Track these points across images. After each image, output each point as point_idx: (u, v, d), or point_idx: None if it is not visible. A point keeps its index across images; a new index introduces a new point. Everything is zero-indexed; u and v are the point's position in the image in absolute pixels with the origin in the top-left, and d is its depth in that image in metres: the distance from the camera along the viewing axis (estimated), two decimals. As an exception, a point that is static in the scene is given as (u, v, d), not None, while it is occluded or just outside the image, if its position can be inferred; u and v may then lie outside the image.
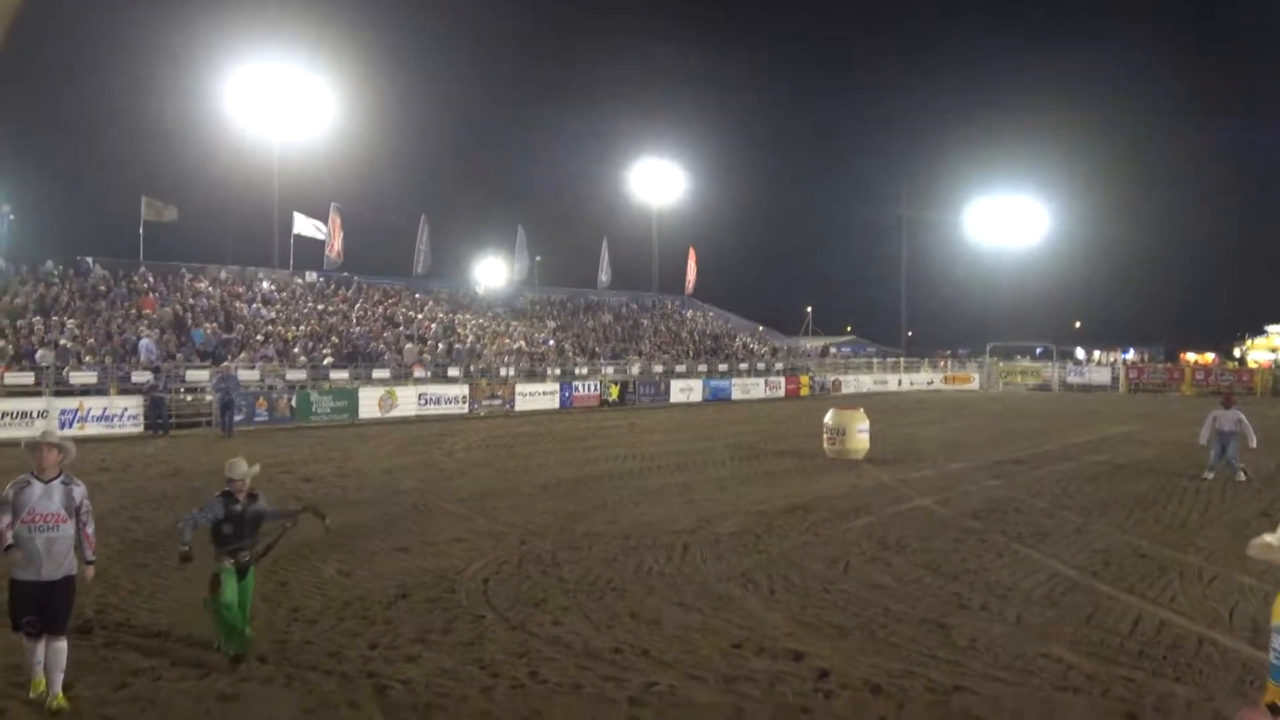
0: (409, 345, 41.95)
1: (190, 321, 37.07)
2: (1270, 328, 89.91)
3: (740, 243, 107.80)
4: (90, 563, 8.03)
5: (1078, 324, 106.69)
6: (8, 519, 7.69)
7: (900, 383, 62.52)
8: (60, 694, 7.94)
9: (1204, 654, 9.56)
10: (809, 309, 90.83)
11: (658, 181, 65.65)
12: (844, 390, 57.13)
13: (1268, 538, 4.88)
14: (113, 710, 7.85)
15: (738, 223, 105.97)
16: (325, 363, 37.51)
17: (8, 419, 27.59)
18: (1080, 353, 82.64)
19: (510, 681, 8.64)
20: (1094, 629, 10.34)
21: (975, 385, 64.06)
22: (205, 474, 21.14)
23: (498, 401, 40.41)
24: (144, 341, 34.12)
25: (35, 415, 27.94)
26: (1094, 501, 18.23)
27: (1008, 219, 77.69)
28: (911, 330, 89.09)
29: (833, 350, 78.56)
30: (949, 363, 70.60)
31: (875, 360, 68.77)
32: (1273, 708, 5.02)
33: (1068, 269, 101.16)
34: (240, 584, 8.80)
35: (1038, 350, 76.08)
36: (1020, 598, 11.58)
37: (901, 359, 68.00)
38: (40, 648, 7.88)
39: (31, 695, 7.91)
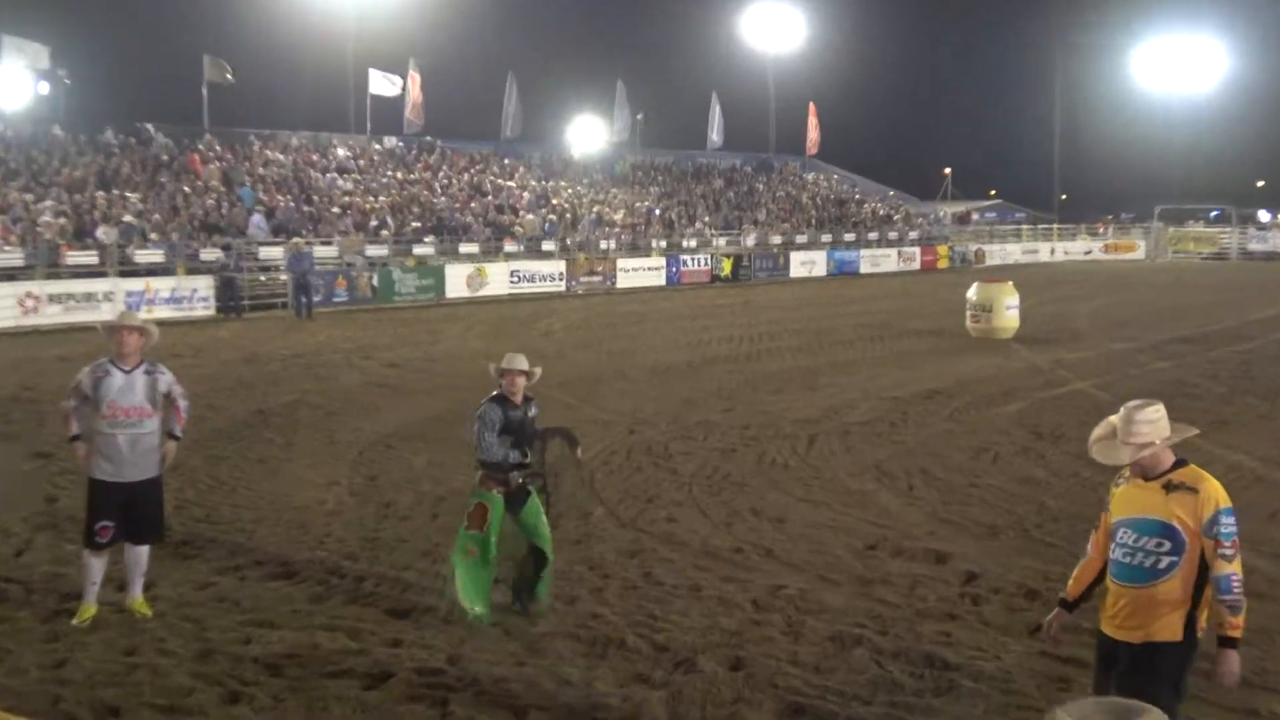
0: (529, 216, 41.92)
1: (253, 190, 37.50)
2: None
3: (868, 96, 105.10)
4: (175, 438, 7.79)
5: (1260, 183, 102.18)
6: (74, 403, 7.48)
7: (1053, 252, 61.10)
8: (140, 597, 7.89)
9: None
10: (947, 170, 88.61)
11: (773, 28, 64.18)
12: (988, 262, 56.09)
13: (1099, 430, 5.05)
14: (197, 611, 8.01)
15: (864, 74, 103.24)
16: (409, 237, 37.89)
17: (71, 302, 28.33)
18: (1264, 215, 79.13)
19: (622, 583, 8.73)
20: (1276, 528, 10.19)
21: (1140, 254, 62.25)
22: (284, 359, 21.70)
23: (598, 278, 40.62)
24: (255, 218, 34.77)
25: (100, 297, 28.66)
26: (1279, 386, 18.01)
27: (1181, 61, 74.01)
28: (1066, 193, 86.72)
29: (975, 217, 77.01)
30: (1109, 229, 68.61)
31: (1024, 227, 67.22)
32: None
33: (1250, 120, 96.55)
34: (518, 518, 7.90)
35: (1213, 213, 73.23)
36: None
37: (1055, 225, 66.29)
38: (100, 564, 7.68)
39: (75, 622, 7.58)
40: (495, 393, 7.88)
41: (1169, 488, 4.77)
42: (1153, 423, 4.82)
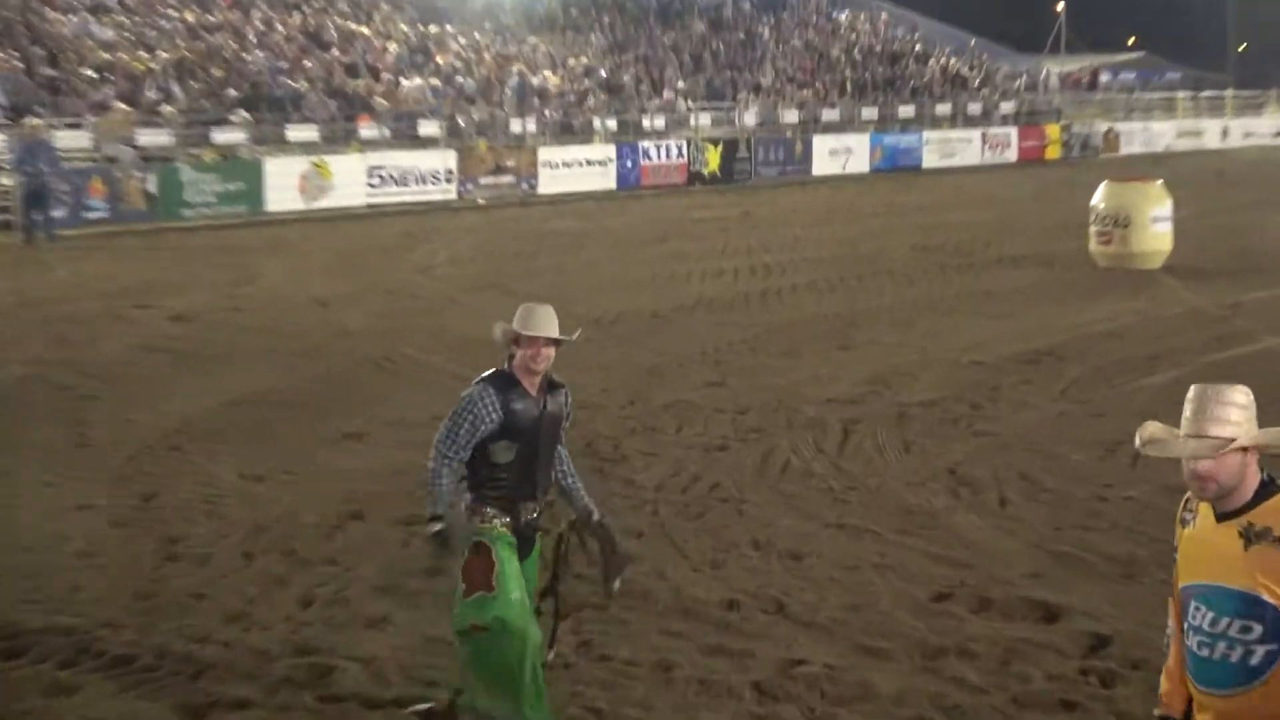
0: (400, 82, 42.18)
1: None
2: None
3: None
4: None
5: None
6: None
7: (1225, 134, 61.29)
8: None
9: None
10: (1060, 7, 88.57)
11: None
12: (1123, 150, 56.21)
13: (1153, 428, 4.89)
14: None
15: None
16: (206, 115, 37.61)
17: None
18: None
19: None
20: None
21: None
22: (8, 309, 21.35)
23: (508, 179, 40.77)
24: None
25: None
26: None
27: None
28: (1246, 40, 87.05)
29: (1104, 78, 77.05)
30: None
31: (1180, 95, 67.26)
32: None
33: None
34: (522, 566, 7.79)
35: None
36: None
37: (1228, 93, 66.48)
38: None
39: None
40: (495, 370, 7.76)
41: (1249, 536, 4.71)
42: (1243, 409, 4.73)
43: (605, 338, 19.47)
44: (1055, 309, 21.14)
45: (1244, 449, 4.64)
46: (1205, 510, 4.76)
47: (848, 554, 10.76)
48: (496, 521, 7.58)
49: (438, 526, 7.40)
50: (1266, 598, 4.58)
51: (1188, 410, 4.69)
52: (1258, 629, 4.61)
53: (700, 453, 13.70)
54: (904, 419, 14.85)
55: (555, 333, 7.52)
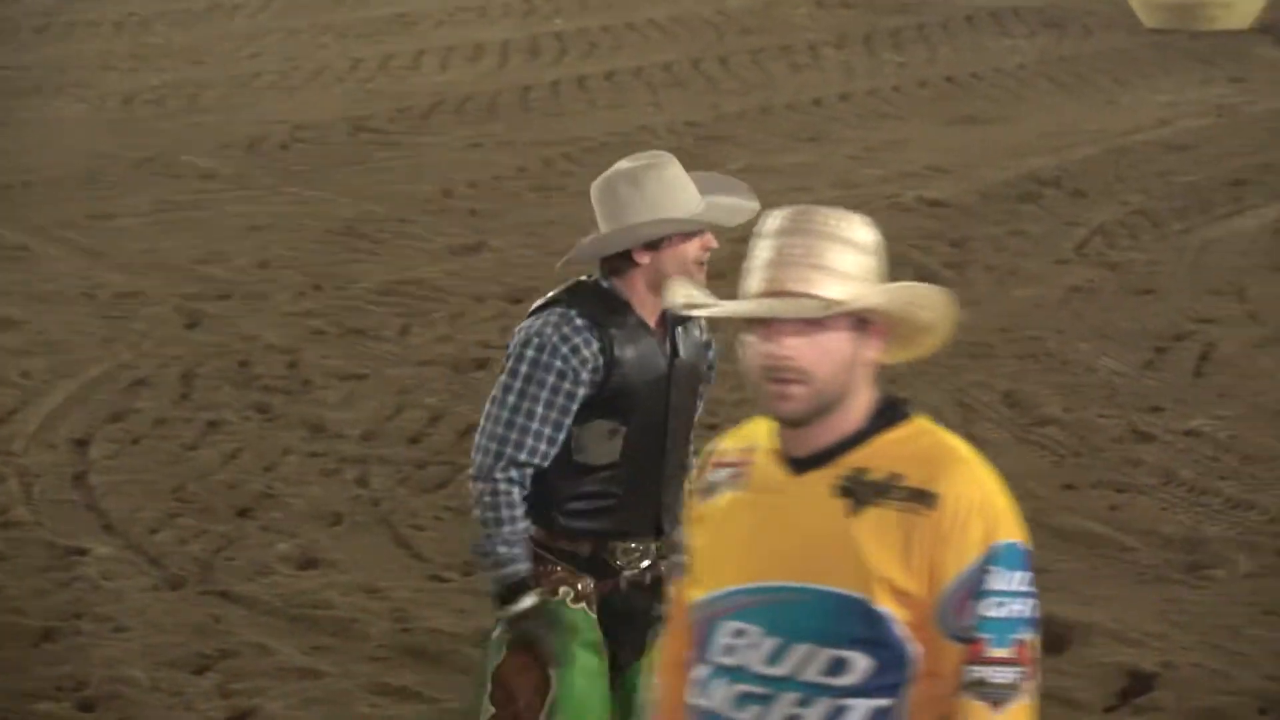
0: None
1: None
2: None
3: None
4: None
5: None
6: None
7: None
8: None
9: None
10: None
11: None
12: None
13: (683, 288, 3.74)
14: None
15: None
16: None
17: None
18: None
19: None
20: None
21: None
22: None
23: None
24: None
25: None
26: None
27: None
28: None
29: None
30: None
31: None
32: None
33: None
34: (622, 679, 5.71)
35: None
36: None
37: None
38: None
39: None
40: (575, 282, 5.38)
41: (859, 492, 3.18)
42: (863, 252, 3.27)
43: (270, 172, 16.73)
44: (1069, 103, 17.93)
45: (861, 321, 3.18)
46: (765, 458, 3.27)
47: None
48: (567, 590, 5.32)
49: (529, 603, 5.14)
50: (883, 606, 3.05)
51: (763, 248, 3.28)
52: (861, 664, 3.10)
53: (443, 373, 11.46)
54: None
55: (754, 204, 5.31)
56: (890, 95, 19.39)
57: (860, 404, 3.23)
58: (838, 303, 3.15)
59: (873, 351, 3.24)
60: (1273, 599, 8.32)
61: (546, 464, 5.19)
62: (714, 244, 5.22)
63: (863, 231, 3.29)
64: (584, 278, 5.35)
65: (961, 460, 3.14)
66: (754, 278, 3.27)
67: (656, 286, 5.02)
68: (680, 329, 5.40)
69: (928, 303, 3.30)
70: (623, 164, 5.38)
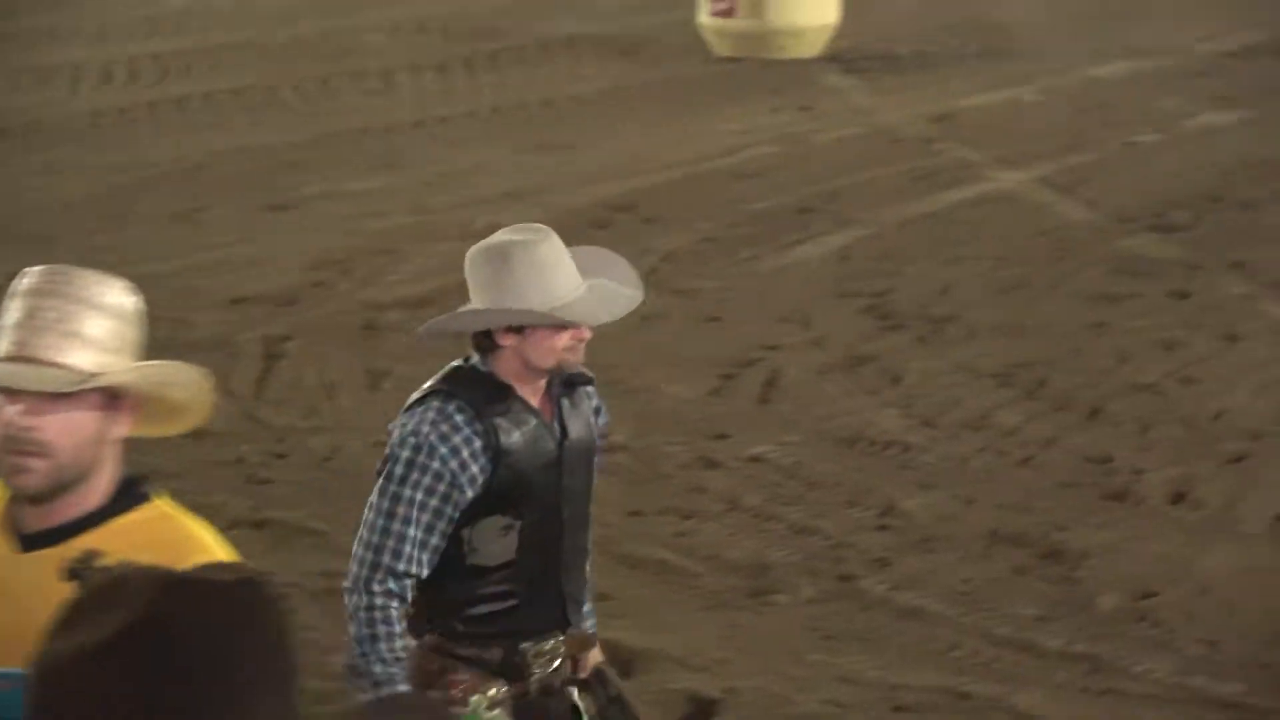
0: None
1: None
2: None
3: None
4: None
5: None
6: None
7: None
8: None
9: None
10: None
11: None
12: None
13: None
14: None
15: None
16: None
17: None
18: None
19: None
20: None
21: None
22: None
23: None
24: None
25: None
26: None
27: None
28: None
29: None
30: None
31: None
32: None
33: None
34: None
35: None
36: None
37: None
38: None
39: None
40: (453, 369, 5.08)
41: (86, 576, 2.45)
42: (119, 319, 3.36)
43: None
44: (641, 131, 17.91)
45: (112, 396, 3.24)
46: None
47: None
48: (481, 698, 5.09)
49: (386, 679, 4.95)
50: None
51: (14, 308, 3.34)
52: None
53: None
54: (376, 332, 12.25)
55: (636, 297, 5.19)
56: (464, 122, 19.17)
57: (103, 482, 3.19)
58: (88, 376, 3.12)
59: (122, 428, 3.22)
60: (834, 624, 8.42)
61: (426, 572, 4.92)
62: (587, 334, 4.92)
63: (123, 298, 3.32)
64: (460, 362, 5.04)
65: (203, 549, 3.10)
66: (2, 339, 3.19)
67: (529, 368, 4.89)
68: (567, 402, 5.11)
69: (181, 381, 3.30)
70: (501, 235, 5.08)
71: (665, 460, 10.45)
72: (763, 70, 20.98)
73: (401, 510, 4.89)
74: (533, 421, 4.93)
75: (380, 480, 4.91)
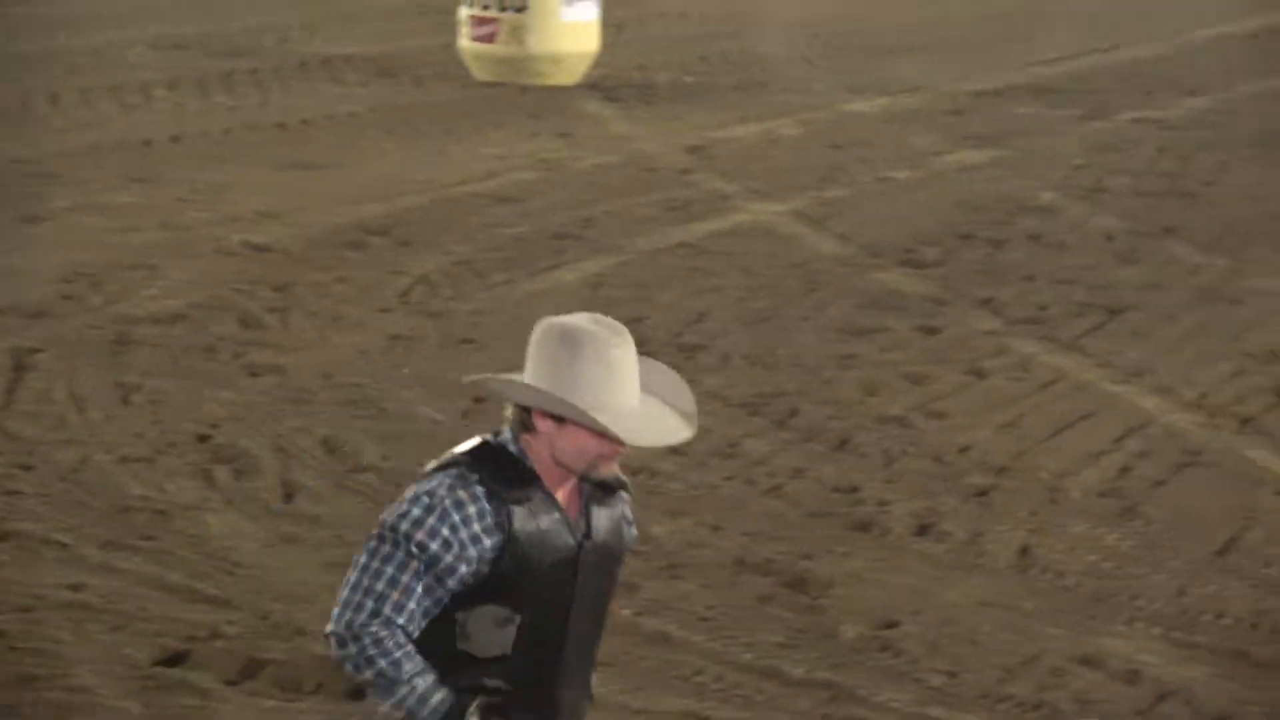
0: None
1: None
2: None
3: None
4: None
5: None
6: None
7: None
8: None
9: None
10: None
11: None
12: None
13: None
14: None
15: None
16: None
17: None
18: None
19: None
20: None
21: None
22: None
23: None
24: None
25: None
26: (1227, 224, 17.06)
27: None
28: None
29: None
30: None
31: None
32: None
33: None
34: None
35: None
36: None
37: None
38: None
39: None
40: (480, 443, 4.27)
41: None
42: None
43: None
44: (399, 153, 17.93)
45: None
46: None
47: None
48: None
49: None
50: None
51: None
52: None
53: None
54: (127, 347, 12.00)
55: (687, 430, 4.31)
56: (222, 138, 19.05)
57: None
58: None
59: None
60: None
61: (414, 635, 4.32)
62: (624, 449, 4.39)
63: None
64: (489, 438, 4.43)
65: None
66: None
67: (559, 464, 4.38)
68: (596, 504, 4.52)
69: None
70: (579, 319, 4.33)
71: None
72: (522, 96, 21.06)
73: (401, 567, 4.24)
74: (554, 514, 4.38)
75: (379, 534, 4.24)
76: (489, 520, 4.18)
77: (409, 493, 4.24)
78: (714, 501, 10.07)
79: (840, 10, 28.77)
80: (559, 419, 4.26)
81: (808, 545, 9.46)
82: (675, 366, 11.27)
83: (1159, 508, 10.46)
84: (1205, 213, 17.13)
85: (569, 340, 4.31)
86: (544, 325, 4.31)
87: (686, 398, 4.48)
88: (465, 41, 21.38)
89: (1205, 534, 10.15)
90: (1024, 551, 9.45)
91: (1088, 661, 8.38)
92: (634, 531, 4.59)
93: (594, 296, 13.80)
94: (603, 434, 4.22)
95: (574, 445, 4.27)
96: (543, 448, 4.28)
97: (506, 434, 4.32)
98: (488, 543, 4.17)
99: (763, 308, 13.72)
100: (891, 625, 8.48)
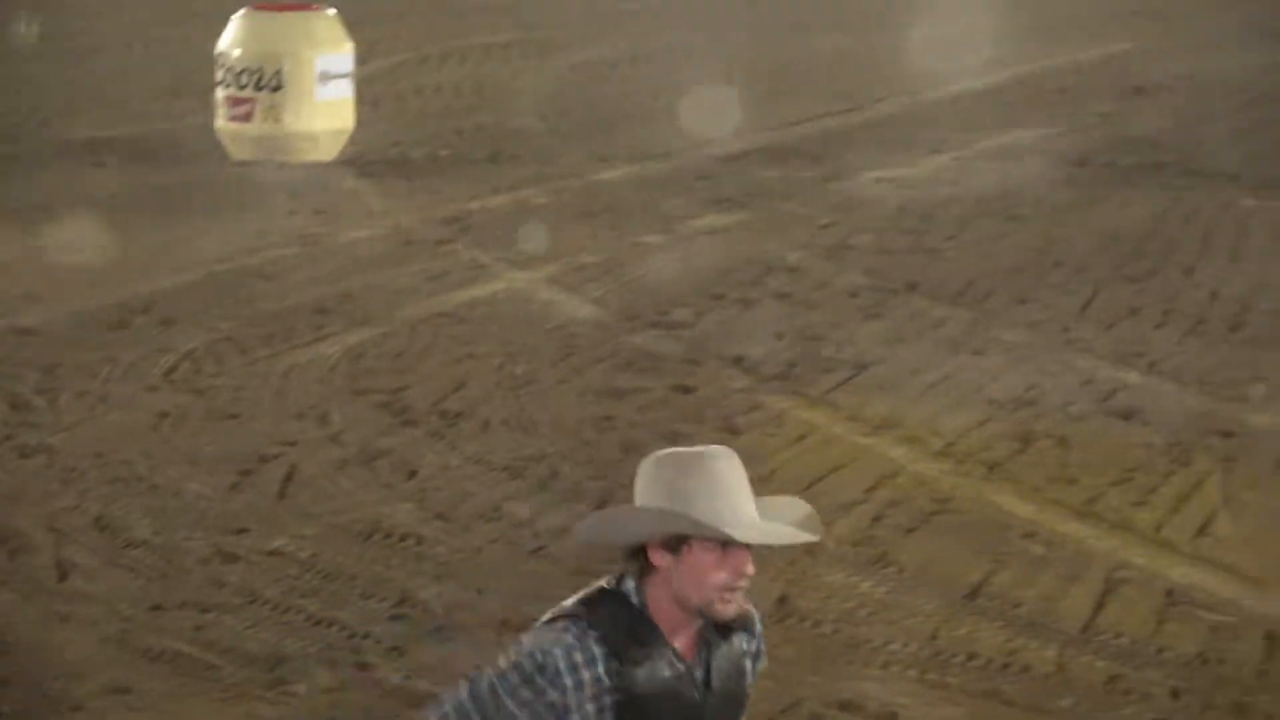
0: None
1: None
2: None
3: None
4: None
5: None
6: None
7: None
8: None
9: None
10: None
11: None
12: None
13: None
14: None
15: None
16: None
17: None
18: None
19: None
20: None
21: None
22: None
23: None
24: None
25: None
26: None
27: None
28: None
29: None
30: None
31: None
32: None
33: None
34: None
35: None
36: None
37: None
38: None
39: None
40: (597, 591, 4.04)
41: None
42: None
43: None
44: (160, 233, 17.62)
45: None
46: None
47: None
48: None
49: None
50: None
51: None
52: None
53: None
54: None
55: (810, 534, 4.12)
56: (-13, 224, 18.77)
57: None
58: None
59: None
60: (350, 712, 8.40)
61: None
62: (749, 571, 4.07)
63: None
64: (607, 584, 4.19)
65: None
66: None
67: (680, 603, 4.09)
68: (715, 649, 4.24)
69: None
70: (697, 449, 4.22)
71: (185, 555, 10.18)
72: (280, 174, 20.75)
73: (504, 707, 4.02)
74: (675, 669, 4.11)
75: (492, 675, 4.03)
76: (605, 684, 3.97)
77: (524, 645, 4.03)
78: (479, 564, 10.19)
79: (588, 80, 28.79)
80: (675, 549, 3.97)
81: (572, 604, 9.21)
82: (436, 434, 11.65)
83: (910, 554, 10.64)
84: (946, 267, 17.36)
85: (675, 461, 4.14)
86: (648, 459, 4.18)
87: (806, 509, 4.28)
88: (222, 122, 21.12)
89: (955, 578, 10.33)
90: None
91: (845, 706, 8.50)
92: (762, 662, 4.39)
93: (355, 368, 13.90)
94: (722, 548, 3.93)
95: (693, 574, 3.98)
96: (661, 589, 4.03)
97: (629, 583, 4.05)
98: (604, 702, 3.97)
99: (521, 373, 13.71)
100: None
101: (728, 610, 3.97)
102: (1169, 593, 10.23)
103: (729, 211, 19.90)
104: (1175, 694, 8.79)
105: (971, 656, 9.03)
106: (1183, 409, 13.47)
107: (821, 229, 18.97)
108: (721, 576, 3.91)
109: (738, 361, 14.42)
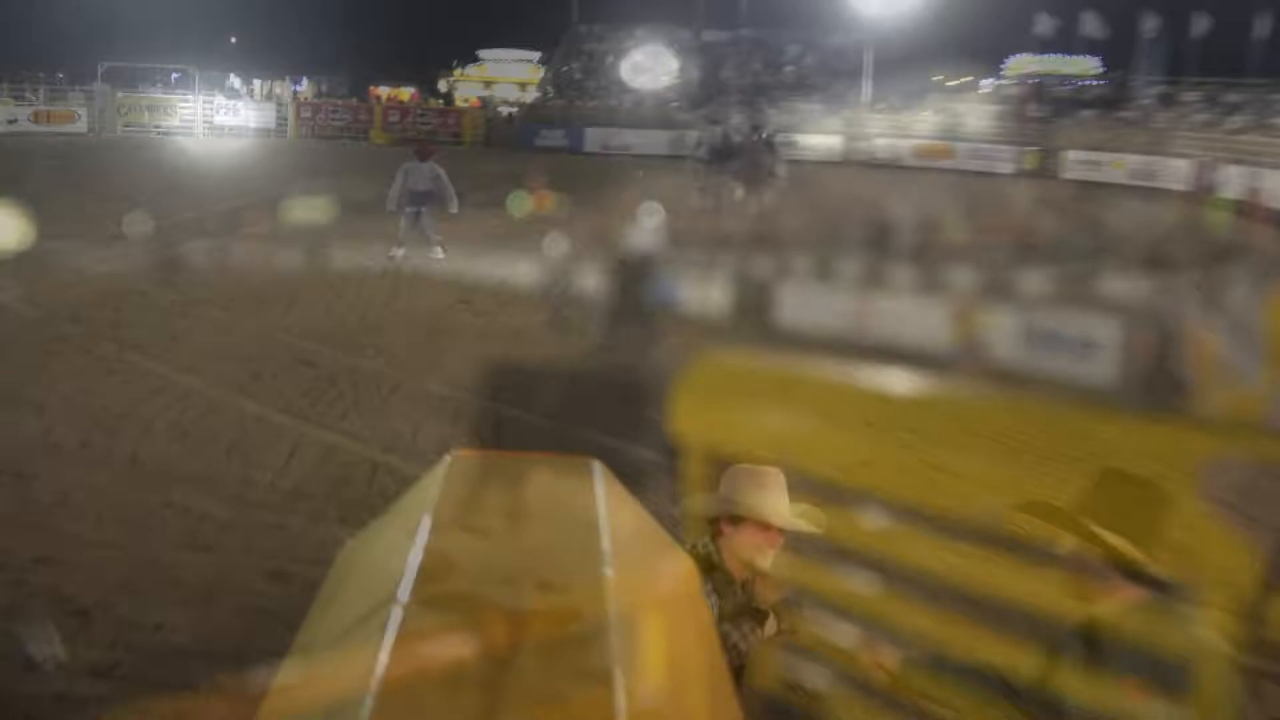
0: None
1: None
2: (484, 53, 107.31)
3: None
4: None
5: (233, 39, 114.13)
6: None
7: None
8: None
9: (378, 485, 10.92)
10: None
11: None
12: None
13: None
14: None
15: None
16: None
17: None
18: (235, 81, 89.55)
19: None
20: (236, 463, 11.37)
21: (83, 127, 63.21)
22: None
23: None
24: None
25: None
26: (249, 292, 19.71)
27: None
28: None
29: None
30: (42, 93, 68.61)
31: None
32: None
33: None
34: None
35: (174, 76, 78.28)
36: (137, 429, 12.33)
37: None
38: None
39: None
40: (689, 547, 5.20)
41: None
42: None
43: None
44: None
45: None
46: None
47: None
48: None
49: None
50: None
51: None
52: None
53: None
54: None
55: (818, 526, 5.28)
56: None
57: None
58: None
59: None
60: None
61: None
62: (779, 542, 5.16)
63: None
64: (697, 544, 5.26)
65: None
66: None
67: (737, 555, 5.23)
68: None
69: None
70: (771, 469, 5.32)
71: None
72: None
73: None
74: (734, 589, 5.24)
75: None
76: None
77: None
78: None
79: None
80: (736, 524, 5.22)
81: None
82: None
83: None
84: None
85: (754, 476, 5.28)
86: (732, 468, 5.40)
87: (817, 512, 5.30)
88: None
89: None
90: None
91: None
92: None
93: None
94: (764, 528, 5.18)
95: (745, 540, 5.23)
96: (727, 550, 5.25)
97: (708, 542, 5.25)
98: (713, 600, 5.00)
99: None
100: None
101: (765, 563, 5.21)
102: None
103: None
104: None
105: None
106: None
107: None
108: (760, 543, 5.26)
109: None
